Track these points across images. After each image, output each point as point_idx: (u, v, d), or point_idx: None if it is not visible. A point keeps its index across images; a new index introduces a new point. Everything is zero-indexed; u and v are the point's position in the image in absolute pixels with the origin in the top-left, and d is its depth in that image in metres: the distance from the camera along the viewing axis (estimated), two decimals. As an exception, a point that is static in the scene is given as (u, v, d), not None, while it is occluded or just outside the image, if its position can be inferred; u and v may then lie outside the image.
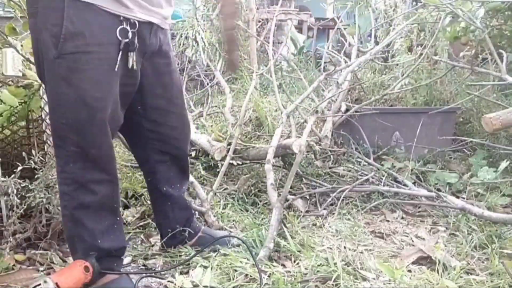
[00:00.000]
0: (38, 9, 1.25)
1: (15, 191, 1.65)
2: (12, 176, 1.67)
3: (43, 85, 1.53)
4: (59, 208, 1.74)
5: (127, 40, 1.31)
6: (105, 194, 1.43)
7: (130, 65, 1.35)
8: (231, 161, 2.41)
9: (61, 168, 1.39)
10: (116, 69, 1.31)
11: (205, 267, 1.64)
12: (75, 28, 1.23)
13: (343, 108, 2.82)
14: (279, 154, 2.36)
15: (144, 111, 1.55)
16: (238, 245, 1.76)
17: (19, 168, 1.67)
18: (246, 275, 1.59)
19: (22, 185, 1.68)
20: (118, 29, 1.30)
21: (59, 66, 1.26)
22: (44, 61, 1.29)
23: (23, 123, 2.04)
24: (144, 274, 1.61)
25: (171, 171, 1.69)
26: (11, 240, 1.67)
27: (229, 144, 2.42)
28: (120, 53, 1.31)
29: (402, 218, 2.17)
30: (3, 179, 1.68)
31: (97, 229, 1.45)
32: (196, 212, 2.02)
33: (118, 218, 1.51)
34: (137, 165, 1.96)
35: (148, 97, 1.53)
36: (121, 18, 1.31)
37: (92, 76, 1.28)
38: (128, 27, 1.32)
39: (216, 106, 3.42)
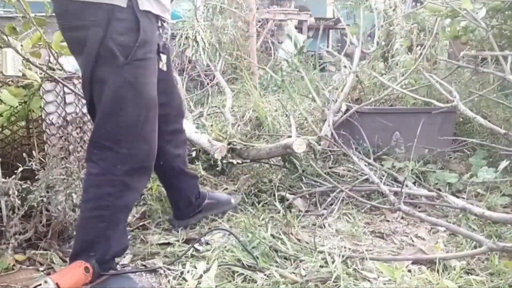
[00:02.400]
0: (96, 22, 1.30)
1: (16, 192, 1.65)
2: (13, 177, 1.67)
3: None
4: (59, 208, 1.75)
5: (161, 43, 1.47)
6: (140, 193, 1.62)
7: (161, 66, 1.49)
8: (231, 160, 2.42)
9: (106, 171, 1.43)
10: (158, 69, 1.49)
11: (205, 268, 1.64)
12: (146, 37, 1.36)
13: (343, 108, 2.82)
14: (280, 153, 2.36)
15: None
16: (236, 206, 2.12)
17: (20, 169, 1.67)
18: (245, 276, 1.60)
19: (23, 186, 1.68)
20: (157, 33, 1.46)
21: (127, 71, 1.35)
22: (107, 69, 1.35)
23: (23, 123, 2.04)
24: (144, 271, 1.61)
25: (177, 148, 1.84)
26: (12, 241, 1.66)
27: (229, 143, 2.43)
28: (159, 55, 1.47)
29: (402, 218, 2.17)
30: (3, 180, 1.67)
31: (121, 230, 1.53)
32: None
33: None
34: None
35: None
36: (159, 23, 1.45)
37: (151, 79, 1.43)
38: (160, 31, 1.47)
39: (216, 106, 3.42)
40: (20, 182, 1.68)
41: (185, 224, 1.99)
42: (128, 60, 1.33)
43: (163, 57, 1.50)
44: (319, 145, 2.42)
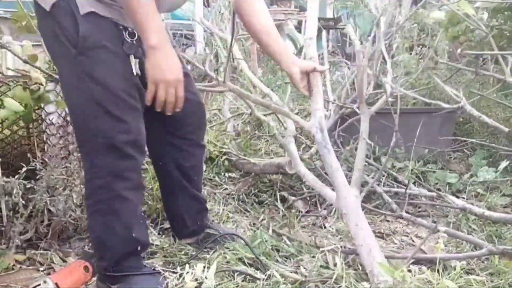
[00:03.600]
0: (51, 13, 1.30)
1: (20, 192, 1.65)
2: (17, 176, 1.67)
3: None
4: (59, 208, 1.74)
5: (128, 45, 1.37)
6: (138, 183, 1.48)
7: (134, 72, 1.38)
8: (230, 174, 2.46)
9: (90, 164, 1.41)
10: (128, 64, 1.36)
11: (206, 267, 1.64)
12: (90, 27, 1.30)
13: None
14: (273, 171, 2.35)
15: None
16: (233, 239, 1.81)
17: (24, 169, 1.67)
18: (246, 276, 1.59)
19: (27, 186, 1.68)
20: (120, 34, 1.36)
21: (81, 63, 1.31)
22: (63, 62, 1.35)
23: (23, 123, 2.03)
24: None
25: (186, 160, 1.71)
26: (17, 241, 1.67)
27: (224, 153, 2.44)
28: (127, 55, 1.37)
29: (402, 218, 2.17)
30: (7, 179, 1.67)
31: (132, 220, 1.47)
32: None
33: (143, 213, 1.57)
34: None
35: None
36: (121, 27, 1.36)
37: (113, 67, 1.34)
38: (128, 36, 1.37)
39: (216, 108, 3.43)
40: (24, 182, 1.68)
41: (182, 242, 1.84)
42: (78, 51, 1.30)
43: (133, 60, 1.38)
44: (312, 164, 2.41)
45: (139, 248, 1.51)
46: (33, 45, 1.96)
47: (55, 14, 1.29)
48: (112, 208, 1.44)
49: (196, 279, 1.56)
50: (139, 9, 1.26)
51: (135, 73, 1.38)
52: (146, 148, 1.51)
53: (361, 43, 2.89)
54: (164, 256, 1.76)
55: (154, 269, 1.59)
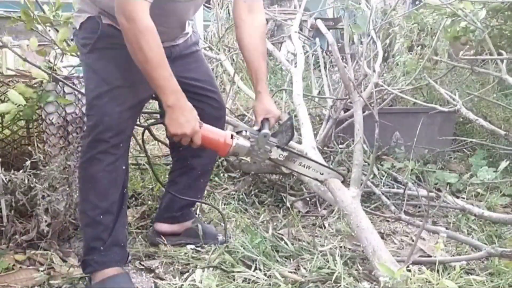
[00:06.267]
0: (79, 29, 1.59)
1: (22, 188, 1.67)
2: (21, 171, 1.67)
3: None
4: (59, 207, 1.75)
5: None
6: (112, 169, 1.56)
7: None
8: (231, 174, 2.46)
9: (83, 142, 1.62)
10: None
11: (205, 268, 1.64)
12: (107, 33, 1.54)
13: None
14: (270, 171, 2.35)
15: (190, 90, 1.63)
16: (223, 243, 1.84)
17: (28, 162, 1.67)
18: (246, 276, 1.60)
19: (30, 185, 1.68)
20: None
21: (88, 58, 1.58)
22: (81, 63, 1.68)
23: (23, 123, 2.04)
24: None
25: (200, 153, 1.78)
26: (19, 240, 1.67)
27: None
28: None
29: (401, 219, 2.17)
30: (7, 173, 1.67)
31: (101, 205, 1.55)
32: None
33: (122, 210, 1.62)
34: (137, 164, 2.26)
35: (191, 81, 1.71)
36: None
37: (117, 63, 1.53)
38: None
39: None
40: (28, 176, 1.68)
41: (152, 239, 1.88)
42: (88, 50, 1.56)
43: None
44: None
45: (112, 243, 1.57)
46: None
47: (82, 29, 1.58)
48: (84, 189, 1.58)
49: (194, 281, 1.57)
50: (154, 75, 1.43)
51: None
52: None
53: (361, 42, 2.88)
54: (164, 256, 1.76)
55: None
